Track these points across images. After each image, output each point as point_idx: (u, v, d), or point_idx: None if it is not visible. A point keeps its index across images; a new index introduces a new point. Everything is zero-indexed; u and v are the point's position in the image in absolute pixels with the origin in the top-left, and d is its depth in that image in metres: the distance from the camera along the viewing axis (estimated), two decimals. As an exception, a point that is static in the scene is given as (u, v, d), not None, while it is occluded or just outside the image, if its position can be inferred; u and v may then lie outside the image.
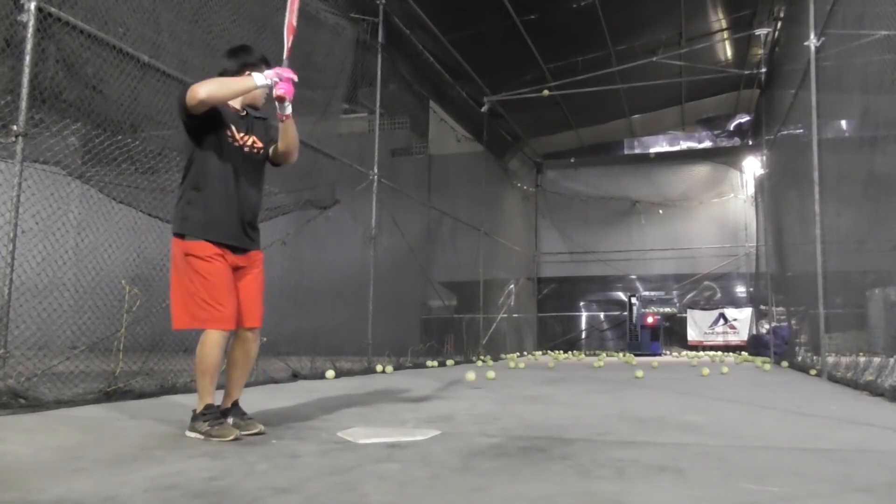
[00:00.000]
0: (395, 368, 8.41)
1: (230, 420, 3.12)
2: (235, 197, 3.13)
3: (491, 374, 7.49)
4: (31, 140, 4.02)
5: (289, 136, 3.23)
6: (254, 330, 3.22)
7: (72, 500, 1.89)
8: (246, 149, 3.20)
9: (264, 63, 3.24)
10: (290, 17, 3.19)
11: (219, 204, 3.09)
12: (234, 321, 3.07)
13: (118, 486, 2.06)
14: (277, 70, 3.06)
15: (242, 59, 3.20)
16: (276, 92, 3.04)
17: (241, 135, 3.19)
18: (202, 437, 2.93)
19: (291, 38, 3.17)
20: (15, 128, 3.86)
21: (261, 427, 3.11)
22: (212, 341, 3.01)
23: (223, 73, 3.19)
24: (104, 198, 5.07)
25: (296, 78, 3.08)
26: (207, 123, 3.09)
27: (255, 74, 3.07)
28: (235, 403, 3.21)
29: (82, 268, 4.79)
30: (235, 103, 3.23)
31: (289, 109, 3.12)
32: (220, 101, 3.02)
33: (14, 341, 3.91)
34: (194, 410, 3.04)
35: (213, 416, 2.98)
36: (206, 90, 2.91)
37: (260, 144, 3.27)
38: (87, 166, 4.80)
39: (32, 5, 3.93)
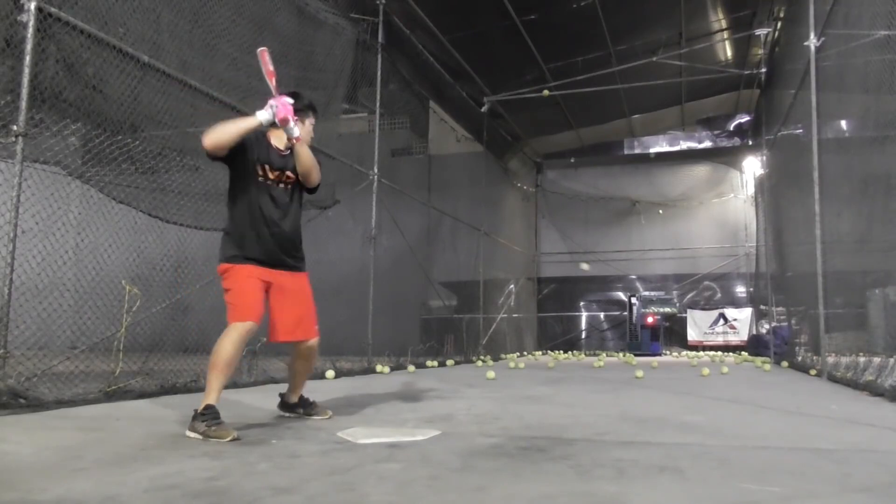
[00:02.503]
0: (395, 368, 8.41)
1: (300, 411, 3.62)
2: (267, 231, 3.33)
3: (491, 374, 7.49)
4: (31, 140, 4.02)
5: (301, 159, 3.40)
6: (309, 341, 3.52)
7: (72, 500, 1.89)
8: (279, 184, 3.40)
9: (311, 109, 3.53)
10: (266, 67, 3.33)
11: (251, 238, 3.31)
12: (255, 315, 3.23)
13: (118, 486, 2.06)
14: (271, 101, 3.25)
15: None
16: (279, 116, 3.22)
17: (276, 172, 3.39)
18: (200, 436, 2.93)
19: (274, 79, 3.33)
20: (15, 128, 3.86)
21: (329, 413, 3.63)
22: (230, 334, 3.15)
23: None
24: (104, 198, 5.07)
25: (291, 100, 3.28)
26: (237, 163, 3.31)
27: (258, 112, 3.24)
28: (301, 398, 3.68)
29: (82, 268, 4.79)
30: (280, 143, 3.42)
31: (296, 132, 3.30)
32: (227, 144, 3.16)
33: (14, 341, 3.91)
34: (196, 410, 3.05)
35: (211, 417, 2.99)
36: (207, 141, 3.14)
37: (293, 176, 3.46)
38: (87, 166, 4.80)
39: (32, 5, 3.93)
